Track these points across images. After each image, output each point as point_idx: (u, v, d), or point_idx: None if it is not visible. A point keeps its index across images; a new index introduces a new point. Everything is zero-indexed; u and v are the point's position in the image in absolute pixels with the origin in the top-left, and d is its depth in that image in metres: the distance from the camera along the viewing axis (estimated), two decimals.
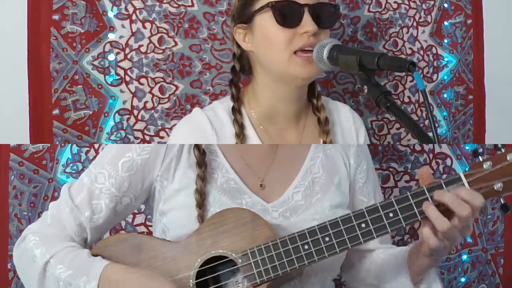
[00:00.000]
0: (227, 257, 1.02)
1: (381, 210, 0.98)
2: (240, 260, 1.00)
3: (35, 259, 1.03)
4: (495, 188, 0.96)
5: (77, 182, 1.12)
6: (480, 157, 0.98)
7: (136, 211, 1.48)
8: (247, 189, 1.12)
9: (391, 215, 0.98)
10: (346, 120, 1.32)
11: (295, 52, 1.15)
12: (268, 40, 1.17)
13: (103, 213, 1.09)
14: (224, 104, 1.24)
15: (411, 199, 0.98)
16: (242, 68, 1.27)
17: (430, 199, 0.97)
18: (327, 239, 0.99)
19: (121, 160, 1.10)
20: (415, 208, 0.97)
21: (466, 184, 0.97)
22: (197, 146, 1.12)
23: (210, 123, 1.20)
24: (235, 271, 1.03)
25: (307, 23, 1.14)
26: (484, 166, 0.97)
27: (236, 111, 1.21)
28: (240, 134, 1.19)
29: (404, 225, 0.98)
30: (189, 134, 1.19)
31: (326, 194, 1.15)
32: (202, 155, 1.11)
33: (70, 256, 1.02)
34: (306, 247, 0.99)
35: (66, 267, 1.00)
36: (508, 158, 0.96)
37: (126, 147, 1.12)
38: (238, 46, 1.25)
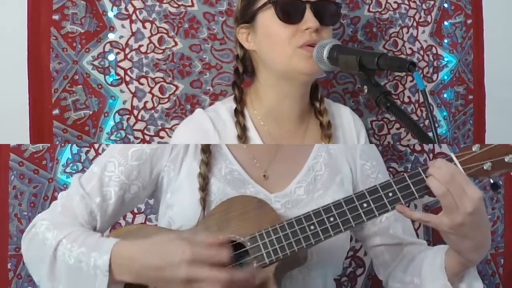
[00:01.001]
0: (235, 241, 1.03)
1: (380, 191, 1.03)
2: (248, 243, 1.02)
3: (46, 241, 1.03)
4: (485, 167, 1.02)
5: (87, 173, 1.15)
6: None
7: (136, 211, 1.49)
8: (250, 180, 1.14)
9: (390, 194, 1.03)
10: (347, 123, 1.32)
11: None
12: (271, 37, 1.18)
13: (113, 200, 1.11)
14: (227, 105, 1.24)
15: (408, 180, 1.03)
16: (245, 70, 1.28)
17: (425, 178, 1.02)
18: (331, 219, 1.02)
19: (131, 150, 1.13)
20: (412, 187, 1.02)
21: (458, 164, 1.01)
22: None
23: (212, 124, 1.20)
24: (242, 254, 1.04)
25: (309, 19, 1.15)
26: (473, 148, 1.03)
27: (238, 113, 1.22)
28: (242, 136, 1.19)
29: (403, 203, 1.02)
30: (191, 134, 1.20)
31: (328, 191, 1.17)
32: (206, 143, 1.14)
33: (83, 236, 1.02)
34: (312, 227, 1.02)
35: (78, 245, 1.00)
36: (493, 144, 1.03)
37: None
38: (241, 47, 1.26)
